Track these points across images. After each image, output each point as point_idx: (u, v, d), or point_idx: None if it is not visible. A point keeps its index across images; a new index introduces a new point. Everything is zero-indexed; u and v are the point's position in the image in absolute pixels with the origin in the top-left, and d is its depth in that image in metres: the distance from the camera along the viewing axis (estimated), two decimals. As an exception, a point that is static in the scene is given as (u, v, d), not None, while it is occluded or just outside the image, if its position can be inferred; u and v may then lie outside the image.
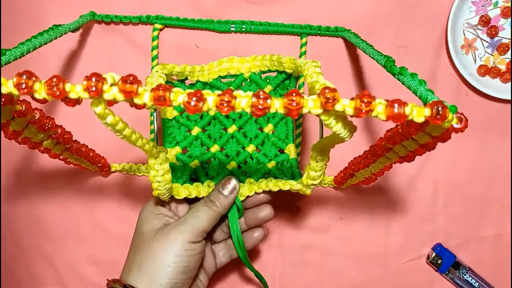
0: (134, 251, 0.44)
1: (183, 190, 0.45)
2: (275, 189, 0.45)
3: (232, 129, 0.51)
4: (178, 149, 0.50)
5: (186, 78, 0.50)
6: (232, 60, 0.51)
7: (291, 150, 0.51)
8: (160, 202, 0.45)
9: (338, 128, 0.30)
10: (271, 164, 0.50)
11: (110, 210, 0.58)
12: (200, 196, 0.46)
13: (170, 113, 0.51)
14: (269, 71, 0.51)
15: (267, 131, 0.51)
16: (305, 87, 0.54)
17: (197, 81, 0.51)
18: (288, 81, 0.51)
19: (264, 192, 0.47)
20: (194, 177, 0.49)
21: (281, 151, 0.51)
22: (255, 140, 0.51)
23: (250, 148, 0.51)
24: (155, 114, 0.46)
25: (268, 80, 0.51)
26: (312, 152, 0.39)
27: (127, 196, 0.57)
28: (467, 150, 0.58)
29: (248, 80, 0.51)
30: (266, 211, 0.48)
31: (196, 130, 0.51)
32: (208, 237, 0.47)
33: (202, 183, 0.47)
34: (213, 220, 0.44)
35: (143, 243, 0.43)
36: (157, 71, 0.45)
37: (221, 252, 0.50)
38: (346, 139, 0.32)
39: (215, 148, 0.51)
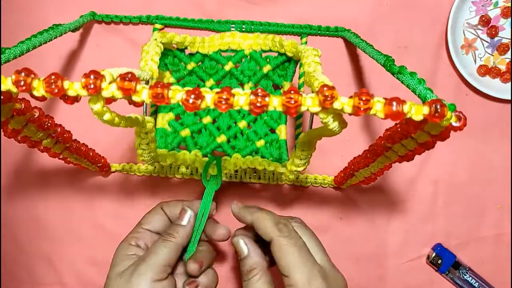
0: None
1: (170, 157, 0.45)
2: (260, 168, 0.46)
3: None
4: (171, 115, 0.51)
5: (186, 48, 0.51)
6: (234, 35, 0.51)
7: (282, 131, 0.51)
8: (134, 241, 0.43)
9: (335, 125, 0.30)
10: (260, 143, 0.50)
11: (110, 210, 0.58)
12: (186, 164, 0.46)
13: (167, 79, 0.51)
14: (270, 51, 0.51)
15: None
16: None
17: (197, 52, 0.51)
18: (288, 63, 0.51)
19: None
20: (183, 146, 0.50)
21: (272, 130, 0.51)
22: (248, 116, 0.52)
23: (242, 124, 0.51)
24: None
25: (268, 60, 0.51)
26: (299, 141, 0.39)
27: (127, 196, 0.57)
28: (467, 150, 0.58)
29: (248, 57, 0.52)
30: (222, 230, 0.46)
31: None
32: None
33: (190, 152, 0.48)
34: (174, 252, 0.42)
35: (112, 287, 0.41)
36: (155, 39, 0.45)
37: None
38: (336, 132, 0.32)
39: (207, 120, 0.51)
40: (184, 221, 0.44)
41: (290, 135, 0.55)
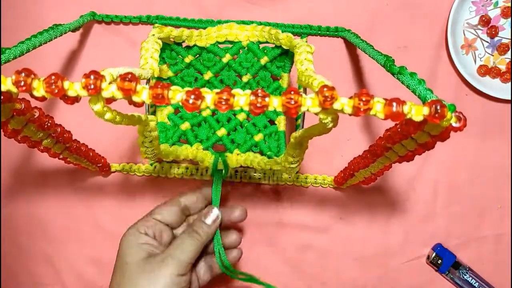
0: (118, 281, 0.42)
1: (172, 152, 0.46)
2: (258, 167, 0.46)
3: None
4: (170, 109, 0.51)
5: (183, 41, 0.51)
6: (231, 26, 0.51)
7: (281, 122, 0.51)
8: (144, 229, 0.44)
9: (332, 125, 0.30)
10: (258, 137, 0.50)
11: (110, 210, 0.58)
12: (188, 159, 0.47)
13: (165, 72, 0.51)
14: (267, 42, 0.51)
15: None
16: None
17: (194, 45, 0.51)
18: (285, 56, 0.51)
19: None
20: (184, 139, 0.50)
21: (271, 122, 0.52)
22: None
23: (241, 116, 0.51)
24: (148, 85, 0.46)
25: (265, 51, 0.51)
26: (291, 140, 0.39)
27: (127, 196, 0.57)
28: (467, 150, 0.58)
29: (246, 48, 0.52)
30: (238, 212, 0.49)
31: None
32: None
33: (191, 146, 0.48)
34: (199, 251, 0.44)
35: (128, 275, 0.41)
36: (153, 35, 0.45)
37: (201, 271, 0.48)
38: (327, 131, 0.32)
39: (206, 112, 0.51)
40: (210, 220, 0.45)
41: (290, 129, 0.55)
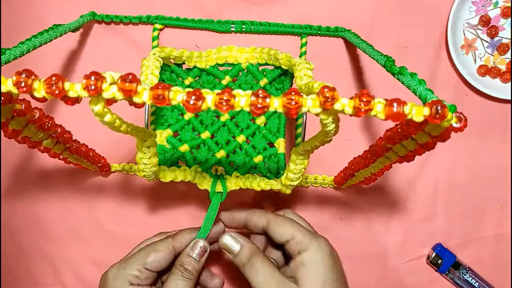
0: None
1: (170, 173, 0.45)
2: (258, 189, 0.46)
3: (225, 117, 0.52)
4: (169, 132, 0.51)
5: (184, 63, 0.51)
6: (231, 48, 0.51)
7: (280, 144, 0.51)
8: (135, 280, 0.43)
9: (333, 126, 0.30)
10: (257, 159, 0.50)
11: (110, 210, 0.58)
12: (186, 180, 0.46)
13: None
14: (267, 64, 0.51)
15: (259, 122, 0.52)
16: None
17: (194, 67, 0.51)
18: (284, 76, 0.51)
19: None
20: (183, 161, 0.50)
21: (271, 144, 0.51)
22: (246, 130, 0.52)
23: (240, 138, 0.51)
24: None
25: (264, 73, 0.52)
26: (292, 155, 0.39)
27: (127, 196, 0.57)
28: (467, 150, 0.58)
29: (245, 70, 0.52)
30: (217, 281, 0.49)
31: (189, 115, 0.52)
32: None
33: (190, 168, 0.48)
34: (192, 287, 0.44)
35: None
36: (154, 54, 0.45)
37: None
38: (329, 139, 0.32)
39: (205, 135, 0.51)
40: (197, 255, 0.44)
41: (289, 147, 0.55)
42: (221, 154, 0.50)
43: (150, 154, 0.39)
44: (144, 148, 0.38)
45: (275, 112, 0.52)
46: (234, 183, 0.47)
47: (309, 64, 0.42)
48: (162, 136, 0.51)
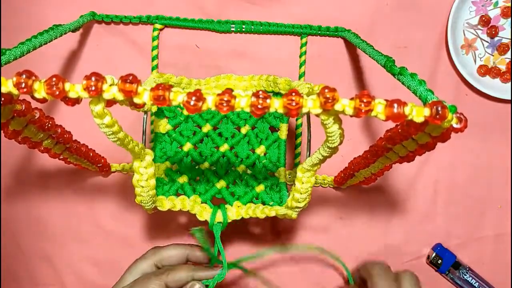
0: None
1: (168, 202, 0.43)
2: (262, 216, 0.44)
3: (224, 148, 0.51)
4: (168, 164, 0.50)
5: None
6: (229, 77, 0.51)
7: (281, 174, 0.51)
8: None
9: (335, 128, 0.30)
10: (259, 188, 0.49)
11: (110, 210, 0.58)
12: (185, 210, 0.44)
13: (164, 127, 0.51)
14: (265, 91, 0.50)
15: (259, 152, 0.51)
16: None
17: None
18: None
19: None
20: (181, 193, 0.48)
21: (271, 174, 0.51)
22: (246, 160, 0.51)
23: (240, 168, 0.50)
24: (145, 116, 0.46)
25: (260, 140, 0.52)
26: (298, 173, 0.38)
27: (127, 196, 0.57)
28: (467, 150, 0.58)
29: (246, 136, 0.52)
30: None
31: (187, 146, 0.51)
32: None
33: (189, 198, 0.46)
34: None
35: None
36: (154, 79, 0.45)
37: None
38: (336, 147, 0.32)
39: (205, 166, 0.50)
40: None
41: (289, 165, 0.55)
42: (221, 184, 0.49)
43: (147, 175, 0.38)
44: (141, 169, 0.37)
45: (275, 141, 0.52)
46: (235, 212, 0.44)
47: (310, 85, 0.42)
48: (160, 169, 0.50)
